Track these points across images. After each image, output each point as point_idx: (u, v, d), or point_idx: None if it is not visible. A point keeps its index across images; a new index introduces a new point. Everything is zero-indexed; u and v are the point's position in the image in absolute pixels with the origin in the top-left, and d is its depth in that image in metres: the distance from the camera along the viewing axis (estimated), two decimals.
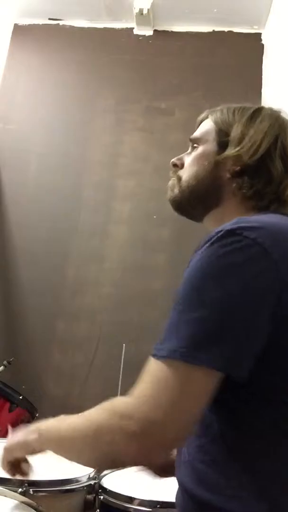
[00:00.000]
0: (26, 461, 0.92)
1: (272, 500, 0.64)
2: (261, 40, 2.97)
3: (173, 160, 0.96)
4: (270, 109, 0.90)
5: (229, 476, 0.67)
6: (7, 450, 0.88)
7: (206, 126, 0.92)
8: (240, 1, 2.83)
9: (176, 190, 0.92)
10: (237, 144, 0.85)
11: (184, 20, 3.00)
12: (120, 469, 1.46)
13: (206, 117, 0.95)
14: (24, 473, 0.91)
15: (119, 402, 0.67)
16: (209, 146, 0.89)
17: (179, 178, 0.93)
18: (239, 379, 0.63)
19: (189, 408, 0.63)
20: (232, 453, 0.68)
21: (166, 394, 0.62)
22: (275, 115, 0.88)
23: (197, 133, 0.94)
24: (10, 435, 0.91)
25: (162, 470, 0.97)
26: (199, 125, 0.96)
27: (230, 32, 3.01)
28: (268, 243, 0.65)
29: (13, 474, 0.91)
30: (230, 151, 0.85)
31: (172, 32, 3.06)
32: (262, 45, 2.95)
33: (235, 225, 0.68)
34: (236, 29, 3.00)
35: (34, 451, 0.84)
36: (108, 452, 0.67)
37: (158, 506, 1.17)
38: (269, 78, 2.77)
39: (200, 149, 0.91)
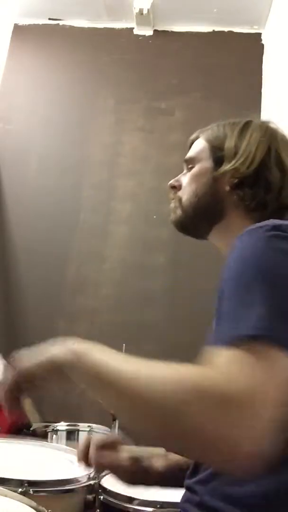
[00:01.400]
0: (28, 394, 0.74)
1: None
2: (261, 40, 2.97)
3: (170, 182, 0.96)
4: (259, 121, 0.92)
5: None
6: (21, 367, 0.71)
7: (199, 145, 0.94)
8: (240, 1, 2.83)
9: (179, 211, 0.93)
10: (233, 157, 0.86)
11: (184, 20, 3.00)
12: None
13: (197, 137, 0.96)
14: (22, 413, 0.73)
15: (203, 377, 0.53)
16: (205, 163, 0.91)
17: (180, 199, 0.93)
18: None
19: (282, 391, 0.52)
20: None
21: (261, 372, 0.51)
22: (264, 126, 0.90)
23: (191, 153, 0.95)
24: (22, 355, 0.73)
25: (130, 477, 0.88)
26: (191, 145, 0.97)
27: (230, 32, 3.01)
28: None
29: (11, 406, 0.73)
30: (227, 165, 0.86)
31: (172, 32, 3.06)
32: (262, 45, 2.95)
33: (279, 223, 0.66)
34: (236, 29, 3.00)
35: (59, 377, 0.67)
36: (187, 436, 0.53)
37: (158, 506, 1.17)
38: (269, 78, 2.77)
39: (196, 167, 0.92)
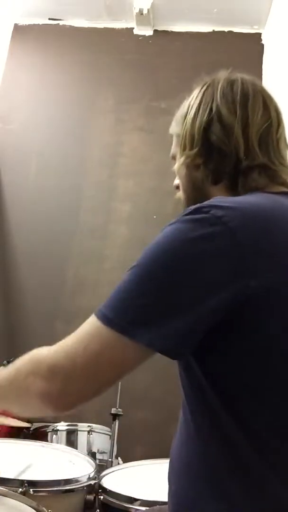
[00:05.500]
0: None
1: (231, 501, 0.63)
2: (261, 40, 2.97)
3: (174, 182, 0.97)
4: (205, 81, 0.86)
5: (198, 476, 0.67)
6: None
7: (173, 140, 0.96)
8: (240, 1, 2.83)
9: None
10: (182, 141, 0.85)
11: (184, 20, 3.00)
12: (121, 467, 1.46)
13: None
14: None
15: (42, 350, 0.71)
16: (179, 155, 0.91)
17: (181, 198, 0.94)
18: (175, 358, 0.64)
19: (102, 372, 0.65)
20: (200, 454, 0.68)
21: (85, 351, 0.64)
22: (204, 88, 0.85)
23: (171, 150, 0.97)
24: None
25: None
26: None
27: (230, 32, 3.01)
28: (235, 223, 0.62)
29: None
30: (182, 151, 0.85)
31: (172, 32, 3.06)
32: (262, 45, 2.95)
33: (207, 202, 0.66)
34: (236, 29, 3.00)
35: None
36: (24, 395, 0.70)
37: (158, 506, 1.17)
38: (269, 78, 2.77)
39: (176, 162, 0.92)
